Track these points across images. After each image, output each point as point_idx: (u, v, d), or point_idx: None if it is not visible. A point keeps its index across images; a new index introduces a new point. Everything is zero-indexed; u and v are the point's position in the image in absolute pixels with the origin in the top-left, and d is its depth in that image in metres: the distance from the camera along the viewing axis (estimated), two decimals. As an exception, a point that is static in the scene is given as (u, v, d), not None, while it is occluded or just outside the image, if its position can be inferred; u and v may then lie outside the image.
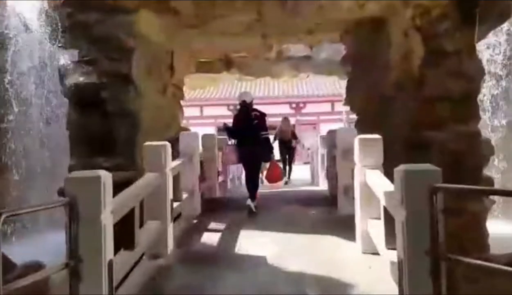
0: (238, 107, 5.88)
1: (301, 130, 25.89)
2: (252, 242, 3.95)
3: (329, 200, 5.92)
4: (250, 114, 5.56)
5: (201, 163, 6.02)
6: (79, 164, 5.38)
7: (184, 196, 4.82)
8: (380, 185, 3.29)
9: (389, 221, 3.00)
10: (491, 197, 5.33)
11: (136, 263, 3.24)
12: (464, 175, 4.49)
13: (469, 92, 5.47)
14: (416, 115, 5.45)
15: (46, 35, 5.55)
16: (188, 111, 25.30)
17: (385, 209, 3.07)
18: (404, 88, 5.58)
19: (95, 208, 2.38)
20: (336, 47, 9.63)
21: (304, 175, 11.88)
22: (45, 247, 4.41)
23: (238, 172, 10.02)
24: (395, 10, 5.51)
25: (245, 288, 2.99)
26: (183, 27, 6.18)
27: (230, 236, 4.24)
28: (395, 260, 2.61)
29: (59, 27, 5.38)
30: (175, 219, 4.54)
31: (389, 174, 2.95)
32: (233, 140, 6.04)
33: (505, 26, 6.94)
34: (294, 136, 11.30)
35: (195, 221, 4.84)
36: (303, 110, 25.93)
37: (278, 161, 7.95)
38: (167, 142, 3.82)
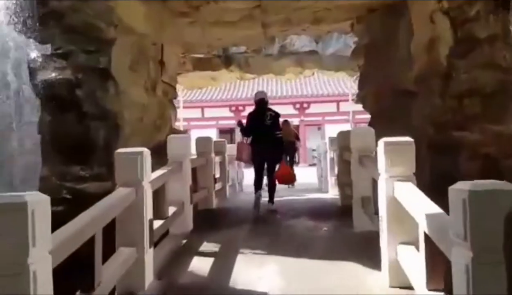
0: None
1: (305, 132, 25.18)
2: (251, 272, 3.18)
3: (341, 212, 5.14)
4: (265, 113, 5.56)
5: (194, 170, 5.28)
6: (52, 174, 4.65)
7: (172, 210, 4.06)
8: (416, 202, 2.53)
9: (432, 252, 2.24)
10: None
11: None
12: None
13: (505, 85, 4.68)
14: (442, 113, 4.67)
15: (14, 25, 4.83)
16: (188, 113, 24.85)
17: (426, 236, 2.30)
18: (427, 83, 4.80)
19: (19, 249, 1.63)
20: (345, 40, 8.90)
21: (310, 179, 11.09)
22: None
23: (238, 177, 9.26)
24: (417, -8, 4.76)
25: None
26: (173, 15, 5.45)
27: (225, 262, 3.47)
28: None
29: (29, 15, 4.67)
30: (160, 239, 3.80)
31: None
32: (246, 138, 5.90)
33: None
34: (296, 137, 10.58)
35: (184, 241, 4.08)
36: (307, 111, 25.16)
37: None
38: (144, 149, 3.07)
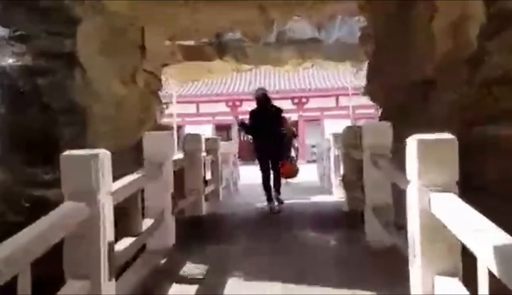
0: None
1: (304, 127, 24.46)
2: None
3: (350, 219, 4.43)
4: (268, 110, 5.51)
5: (180, 172, 4.57)
6: (10, 178, 3.94)
7: (149, 223, 3.35)
8: (468, 224, 1.82)
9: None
10: None
11: None
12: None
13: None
14: (470, 105, 3.95)
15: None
16: (183, 108, 24.06)
17: (490, 273, 1.60)
18: (452, 70, 4.07)
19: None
20: (349, 28, 8.16)
21: (310, 176, 10.39)
22: None
23: (233, 176, 8.55)
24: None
25: None
26: (154, -8, 4.71)
27: (211, 290, 2.77)
28: None
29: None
30: (134, 257, 3.09)
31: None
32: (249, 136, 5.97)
33: None
34: (294, 134, 9.89)
35: (163, 261, 3.37)
36: (306, 106, 24.41)
37: None
38: (100, 151, 2.34)
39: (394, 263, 2.62)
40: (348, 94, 21.98)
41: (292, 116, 24.04)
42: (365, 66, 9.91)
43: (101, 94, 4.11)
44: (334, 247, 3.58)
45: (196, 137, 5.18)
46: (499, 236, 1.58)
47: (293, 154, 9.27)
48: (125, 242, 2.81)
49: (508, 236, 1.55)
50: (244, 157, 8.69)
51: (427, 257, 2.23)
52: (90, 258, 2.24)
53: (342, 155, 5.55)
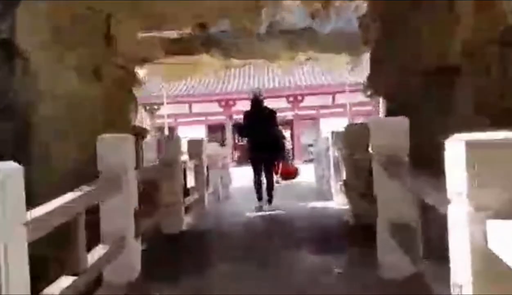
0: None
1: (300, 126, 23.74)
2: None
3: (356, 236, 3.71)
4: (262, 112, 5.52)
5: (152, 183, 3.84)
6: None
7: (102, 251, 2.61)
8: None
9: None
10: None
11: None
12: None
13: None
14: (503, 95, 3.24)
15: None
16: (174, 109, 23.27)
17: None
18: (480, 54, 3.35)
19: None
20: (345, 17, 7.44)
21: (307, 178, 9.67)
22: None
23: (223, 181, 7.80)
24: None
25: None
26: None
27: None
28: None
29: None
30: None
31: None
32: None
33: None
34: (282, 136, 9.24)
35: (120, 301, 2.62)
36: (301, 104, 23.69)
37: None
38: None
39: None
40: (345, 91, 21.30)
41: (287, 115, 23.47)
42: (362, 59, 9.23)
43: (50, 91, 3.36)
44: (338, 278, 2.84)
45: (173, 140, 4.43)
46: None
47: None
48: (58, 286, 2.07)
49: None
50: (239, 158, 8.02)
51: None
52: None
53: (343, 156, 4.83)
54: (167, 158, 4.30)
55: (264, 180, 5.69)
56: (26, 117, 3.17)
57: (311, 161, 22.18)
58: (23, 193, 1.67)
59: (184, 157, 5.18)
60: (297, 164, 21.89)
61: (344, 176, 4.97)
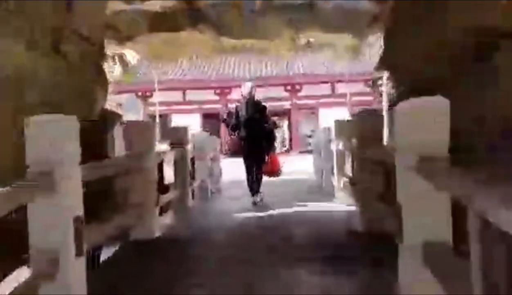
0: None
1: (298, 116, 22.92)
2: None
3: (367, 246, 2.96)
4: (253, 106, 5.49)
5: (114, 180, 3.06)
6: None
7: (27, 274, 1.85)
8: None
9: None
10: None
11: None
12: None
13: None
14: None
15: None
16: (167, 96, 22.39)
17: None
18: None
19: None
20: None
21: (305, 170, 8.95)
22: None
23: (213, 174, 7.03)
24: None
25: None
26: None
27: None
28: None
29: None
30: None
31: None
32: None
33: None
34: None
35: None
36: (300, 94, 22.83)
37: None
38: None
39: None
40: (344, 81, 20.48)
41: (284, 105, 22.64)
42: (363, 46, 8.40)
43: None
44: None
45: (143, 126, 3.64)
46: None
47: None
48: None
49: None
50: (234, 150, 7.31)
51: None
52: None
53: (350, 150, 4.06)
54: (137, 148, 3.51)
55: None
56: None
57: (308, 152, 21.53)
58: None
59: (163, 147, 4.41)
60: (294, 155, 21.24)
61: (350, 172, 4.21)
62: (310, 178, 8.06)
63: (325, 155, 6.01)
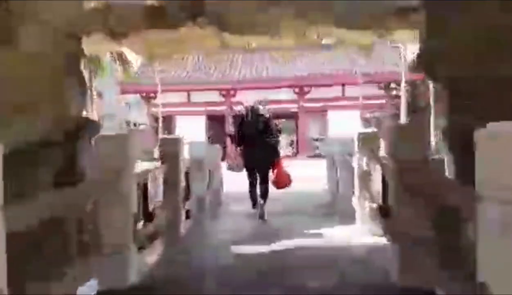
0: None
1: (306, 119, 22.03)
2: None
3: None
4: (257, 119, 5.41)
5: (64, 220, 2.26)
6: None
7: None
8: None
9: None
10: None
11: None
12: None
13: None
14: None
15: None
16: (172, 97, 21.65)
17: None
18: None
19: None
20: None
21: (313, 176, 8.05)
22: None
23: (215, 186, 6.21)
24: None
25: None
26: None
27: None
28: None
29: None
30: None
31: None
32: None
33: None
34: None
35: None
36: (308, 96, 21.95)
37: None
38: None
39: None
40: (358, 83, 19.57)
41: (291, 107, 21.75)
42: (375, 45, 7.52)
43: None
44: None
45: (119, 141, 2.81)
46: None
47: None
48: None
49: None
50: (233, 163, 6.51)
51: None
52: None
53: (383, 169, 3.22)
54: (110, 169, 2.71)
55: (258, 189, 5.50)
56: None
57: (316, 156, 20.59)
58: None
59: (146, 164, 3.62)
60: (302, 159, 20.29)
61: (379, 197, 3.37)
62: (322, 191, 7.19)
63: (342, 170, 5.16)
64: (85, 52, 3.82)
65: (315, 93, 21.55)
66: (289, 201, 6.35)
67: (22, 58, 2.94)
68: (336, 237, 3.94)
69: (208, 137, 21.48)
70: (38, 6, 3.14)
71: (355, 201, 4.42)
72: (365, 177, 3.88)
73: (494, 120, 1.42)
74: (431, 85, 15.93)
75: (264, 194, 5.33)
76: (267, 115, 5.55)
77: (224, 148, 21.84)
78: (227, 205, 6.47)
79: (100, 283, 2.60)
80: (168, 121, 22.18)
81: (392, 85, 21.02)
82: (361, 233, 3.94)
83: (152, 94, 22.09)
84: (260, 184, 5.37)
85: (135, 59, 17.93)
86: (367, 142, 3.87)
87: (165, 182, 3.79)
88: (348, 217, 4.59)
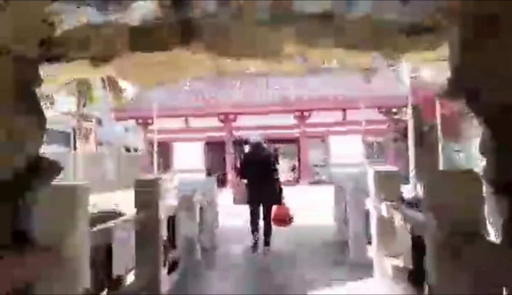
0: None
1: (306, 144, 21.40)
2: None
3: None
4: (260, 154, 5.57)
5: None
6: None
7: None
8: None
9: None
10: None
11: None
12: None
13: None
14: None
15: None
16: (170, 123, 21.11)
17: None
18: None
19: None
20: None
21: (317, 205, 7.39)
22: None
23: (209, 225, 5.48)
24: None
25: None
26: None
27: None
28: None
29: None
30: None
31: None
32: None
33: None
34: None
35: None
36: (308, 120, 21.40)
37: None
38: None
39: None
40: (359, 107, 19.05)
41: (292, 132, 21.13)
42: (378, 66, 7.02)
43: None
44: None
45: (67, 193, 2.11)
46: None
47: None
48: None
49: None
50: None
51: None
52: None
53: (417, 225, 2.52)
54: (52, 232, 2.01)
55: (261, 222, 5.52)
56: None
57: (318, 182, 19.84)
58: None
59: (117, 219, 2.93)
60: (304, 184, 19.51)
61: (406, 255, 2.65)
62: (330, 230, 6.40)
63: (353, 210, 4.45)
64: (40, 79, 3.17)
65: (315, 117, 21.00)
66: (292, 238, 5.74)
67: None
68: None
69: (207, 170, 20.85)
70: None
71: (371, 251, 3.68)
72: (386, 227, 3.17)
73: None
74: (437, 105, 15.41)
75: (268, 231, 5.42)
76: (271, 151, 5.75)
77: (224, 174, 21.04)
78: (223, 246, 5.74)
79: None
80: (165, 148, 21.56)
81: (394, 109, 20.54)
82: (377, 285, 3.18)
83: (148, 121, 21.59)
84: (263, 218, 5.45)
85: (128, 84, 17.45)
86: (386, 183, 3.18)
87: (140, 234, 3.08)
88: (360, 267, 3.85)
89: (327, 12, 5.06)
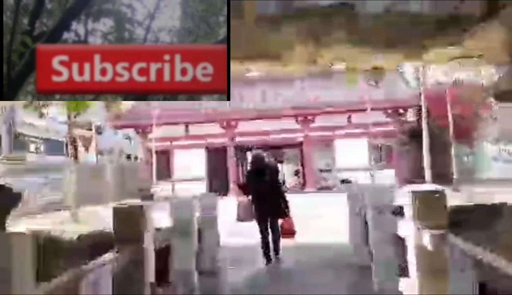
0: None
1: (311, 149, 20.72)
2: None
3: None
4: (264, 170, 5.60)
5: None
6: None
7: None
8: None
9: None
10: None
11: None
12: None
13: None
14: None
15: None
16: (169, 130, 20.46)
17: None
18: None
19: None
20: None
21: (327, 215, 6.73)
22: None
23: (208, 248, 4.82)
24: None
25: None
26: None
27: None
28: None
29: None
30: None
31: None
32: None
33: None
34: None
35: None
36: (313, 125, 20.70)
37: None
38: None
39: None
40: (362, 110, 18.40)
41: (296, 137, 20.48)
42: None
43: None
44: None
45: (17, 241, 1.46)
46: None
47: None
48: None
49: None
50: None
51: None
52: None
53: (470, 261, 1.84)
54: None
55: (270, 236, 5.48)
56: None
57: (325, 188, 19.09)
58: None
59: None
60: (309, 191, 18.77)
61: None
62: (345, 249, 5.65)
63: (377, 230, 3.77)
64: None
65: (320, 121, 20.33)
66: (304, 260, 5.25)
67: None
68: None
69: (209, 179, 20.24)
70: None
71: (406, 287, 3.01)
72: (432, 261, 2.50)
73: None
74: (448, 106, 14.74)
75: (276, 240, 5.43)
76: (274, 167, 5.82)
77: (227, 184, 20.29)
78: (224, 272, 5.09)
79: None
80: (165, 156, 20.91)
81: (401, 111, 19.89)
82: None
83: (147, 129, 20.97)
84: (271, 232, 5.42)
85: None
86: (430, 206, 2.51)
87: (120, 278, 2.42)
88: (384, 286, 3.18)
89: (342, 2, 4.46)
